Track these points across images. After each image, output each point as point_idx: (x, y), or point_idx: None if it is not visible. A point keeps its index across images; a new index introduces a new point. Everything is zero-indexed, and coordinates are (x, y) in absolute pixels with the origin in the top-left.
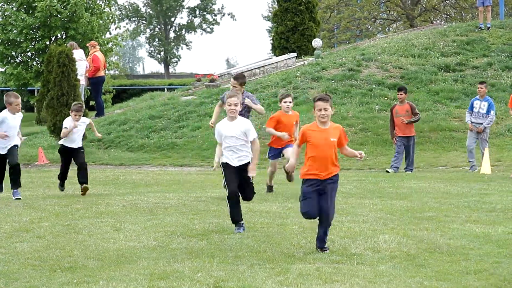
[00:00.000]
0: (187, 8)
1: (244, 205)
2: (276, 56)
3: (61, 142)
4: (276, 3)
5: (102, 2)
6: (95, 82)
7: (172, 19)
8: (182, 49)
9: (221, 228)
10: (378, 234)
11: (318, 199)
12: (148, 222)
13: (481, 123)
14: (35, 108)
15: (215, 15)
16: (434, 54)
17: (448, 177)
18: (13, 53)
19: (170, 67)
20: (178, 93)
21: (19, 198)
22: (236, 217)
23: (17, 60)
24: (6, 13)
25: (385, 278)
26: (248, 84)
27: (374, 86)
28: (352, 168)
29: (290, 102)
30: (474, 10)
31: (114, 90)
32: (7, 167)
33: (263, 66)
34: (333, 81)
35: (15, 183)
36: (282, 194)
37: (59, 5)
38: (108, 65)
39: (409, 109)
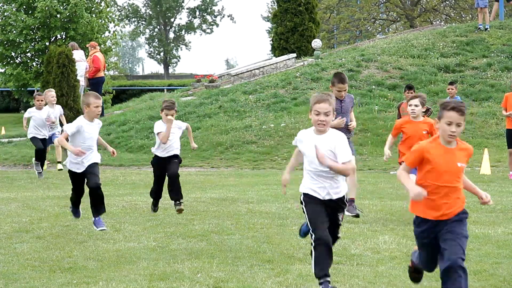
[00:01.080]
0: (187, 9)
1: (244, 205)
2: (276, 57)
3: (154, 150)
4: (275, 3)
5: (102, 2)
6: (94, 83)
7: (172, 19)
8: (181, 49)
9: (221, 229)
10: (378, 235)
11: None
12: (148, 223)
13: None
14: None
15: (215, 17)
16: (434, 54)
17: None
18: (13, 54)
19: (169, 67)
20: (178, 93)
21: (104, 229)
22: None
23: (17, 61)
24: (5, 14)
25: (384, 278)
26: (248, 85)
27: (373, 86)
28: None
29: (416, 106)
30: (474, 11)
31: (114, 91)
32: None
33: (263, 67)
34: None
35: (97, 209)
36: (282, 194)
37: (59, 5)
38: (107, 65)
39: None
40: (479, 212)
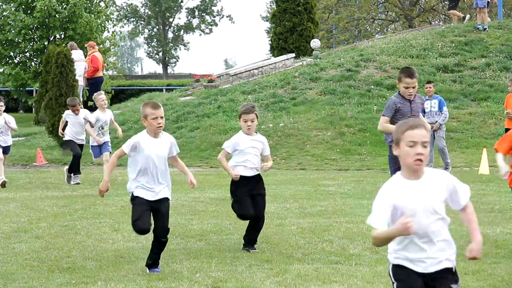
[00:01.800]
0: (186, 9)
1: None
2: (275, 57)
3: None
4: (274, 3)
5: (102, 2)
6: (93, 83)
7: (171, 19)
8: (180, 49)
9: (220, 229)
10: None
11: None
12: None
13: (436, 121)
14: (33, 109)
15: (214, 17)
16: (433, 54)
17: None
18: (12, 54)
19: (168, 67)
20: (177, 93)
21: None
22: None
23: (16, 61)
24: (4, 13)
25: (383, 278)
26: (247, 85)
27: (372, 86)
28: (350, 169)
29: None
30: (473, 11)
31: (113, 91)
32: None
33: (262, 67)
34: (331, 81)
35: (157, 259)
36: (281, 194)
37: (58, 5)
38: (106, 65)
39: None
40: (477, 212)
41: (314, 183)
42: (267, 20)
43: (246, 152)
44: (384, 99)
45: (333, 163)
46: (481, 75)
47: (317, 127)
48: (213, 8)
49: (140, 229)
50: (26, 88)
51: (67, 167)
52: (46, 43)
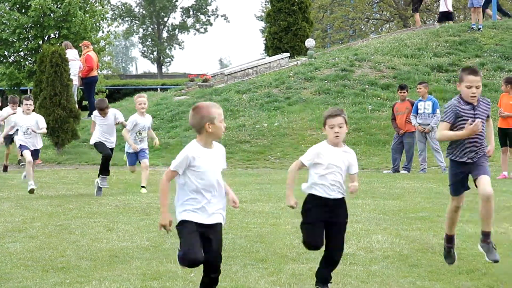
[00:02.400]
0: (180, 8)
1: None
2: (269, 56)
3: None
4: (269, 3)
5: (96, 1)
6: (88, 82)
7: (165, 19)
8: (175, 49)
9: None
10: (371, 234)
11: None
12: (141, 222)
13: (429, 124)
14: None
15: (209, 16)
16: (427, 54)
17: (441, 177)
18: (6, 53)
19: (163, 67)
20: (171, 93)
21: None
22: None
23: (10, 60)
24: None
25: (377, 278)
26: (241, 84)
27: (367, 86)
28: None
29: None
30: (467, 11)
31: (107, 90)
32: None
33: (256, 66)
34: (326, 81)
35: None
36: (275, 194)
37: (52, 4)
38: (101, 65)
39: (409, 106)
40: (472, 212)
41: None
42: (261, 20)
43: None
44: (378, 98)
45: None
46: None
47: (312, 126)
48: (207, 7)
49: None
50: (21, 88)
51: (98, 179)
52: (40, 42)
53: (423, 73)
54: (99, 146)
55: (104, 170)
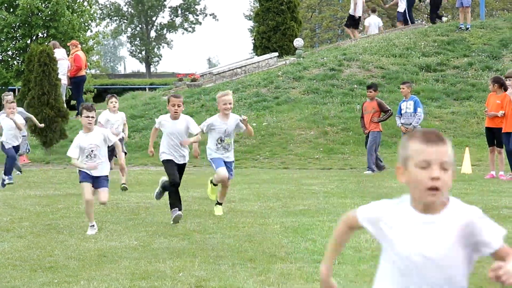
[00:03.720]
0: (169, 8)
1: (226, 204)
2: (258, 56)
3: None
4: (257, 2)
5: (85, 1)
6: (76, 82)
7: (154, 18)
8: (163, 48)
9: (203, 228)
10: (359, 234)
11: None
12: (130, 222)
13: (411, 123)
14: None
15: (197, 15)
16: (415, 54)
17: None
18: None
19: (151, 66)
20: (160, 92)
21: None
22: None
23: None
24: None
25: (366, 277)
26: (230, 84)
27: (355, 86)
28: (333, 168)
29: None
30: (455, 10)
31: (95, 90)
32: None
33: (245, 66)
34: (314, 80)
35: None
36: (264, 193)
37: (40, 3)
38: (89, 64)
39: (376, 106)
40: None
41: (297, 182)
42: (250, 19)
43: None
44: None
45: (316, 162)
46: (463, 74)
47: (300, 126)
48: (196, 6)
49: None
50: (9, 87)
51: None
52: (28, 41)
53: (411, 73)
54: (166, 165)
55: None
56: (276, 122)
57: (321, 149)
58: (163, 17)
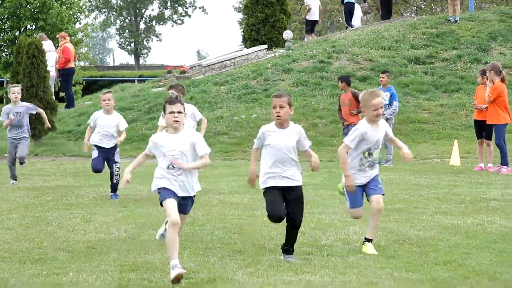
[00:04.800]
0: (158, 0)
1: (215, 196)
2: (247, 48)
3: None
4: None
5: None
6: (65, 74)
7: (143, 10)
8: (152, 40)
9: (192, 220)
10: (349, 226)
11: None
12: (119, 214)
13: (384, 114)
14: (4, 100)
15: (187, 8)
16: (404, 46)
17: (418, 169)
18: None
19: (140, 58)
20: (149, 84)
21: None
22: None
23: None
24: None
25: (355, 269)
26: (219, 76)
27: None
28: (322, 160)
29: None
30: (444, 3)
31: (84, 82)
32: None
33: (234, 58)
34: (303, 73)
35: None
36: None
37: None
38: (78, 56)
39: (351, 98)
40: (448, 203)
41: None
42: (239, 11)
43: None
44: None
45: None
46: (452, 67)
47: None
48: None
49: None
50: None
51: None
52: (17, 33)
53: (400, 65)
54: None
55: None
56: (265, 114)
57: (310, 141)
58: (152, 10)
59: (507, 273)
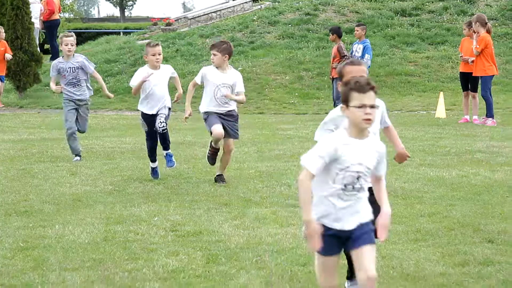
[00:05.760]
0: None
1: (201, 149)
2: (233, 0)
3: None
4: None
5: None
6: (49, 26)
7: None
8: None
9: (178, 173)
10: None
11: None
12: (105, 167)
13: None
14: None
15: None
16: None
17: (403, 121)
18: None
19: (125, 10)
20: (134, 37)
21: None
22: None
23: None
24: None
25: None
26: (205, 28)
27: None
28: (308, 113)
29: None
30: None
31: None
32: None
33: (220, 10)
34: (289, 25)
35: None
36: (239, 138)
37: None
38: (62, 8)
39: (335, 51)
40: (433, 155)
41: (272, 127)
42: None
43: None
44: (342, 42)
45: (291, 107)
46: (438, 18)
47: (276, 71)
48: None
49: None
50: None
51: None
52: None
53: (386, 17)
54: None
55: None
56: (251, 67)
57: (296, 94)
58: None
59: (491, 224)
